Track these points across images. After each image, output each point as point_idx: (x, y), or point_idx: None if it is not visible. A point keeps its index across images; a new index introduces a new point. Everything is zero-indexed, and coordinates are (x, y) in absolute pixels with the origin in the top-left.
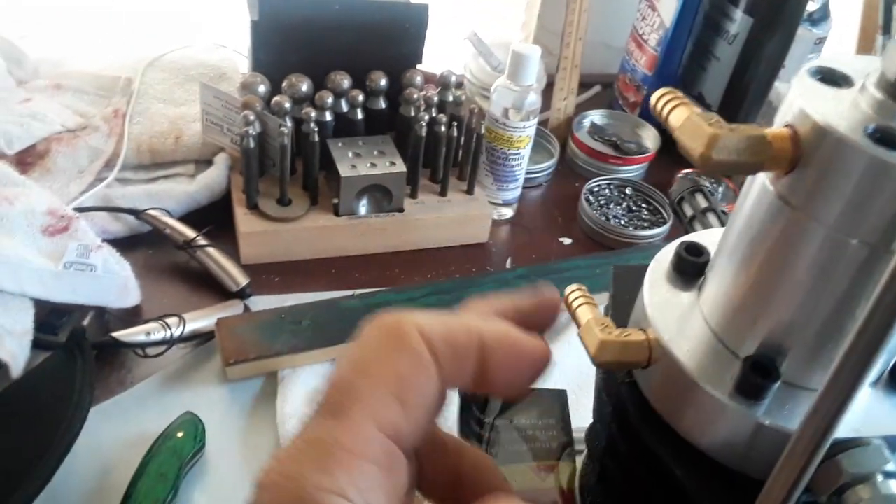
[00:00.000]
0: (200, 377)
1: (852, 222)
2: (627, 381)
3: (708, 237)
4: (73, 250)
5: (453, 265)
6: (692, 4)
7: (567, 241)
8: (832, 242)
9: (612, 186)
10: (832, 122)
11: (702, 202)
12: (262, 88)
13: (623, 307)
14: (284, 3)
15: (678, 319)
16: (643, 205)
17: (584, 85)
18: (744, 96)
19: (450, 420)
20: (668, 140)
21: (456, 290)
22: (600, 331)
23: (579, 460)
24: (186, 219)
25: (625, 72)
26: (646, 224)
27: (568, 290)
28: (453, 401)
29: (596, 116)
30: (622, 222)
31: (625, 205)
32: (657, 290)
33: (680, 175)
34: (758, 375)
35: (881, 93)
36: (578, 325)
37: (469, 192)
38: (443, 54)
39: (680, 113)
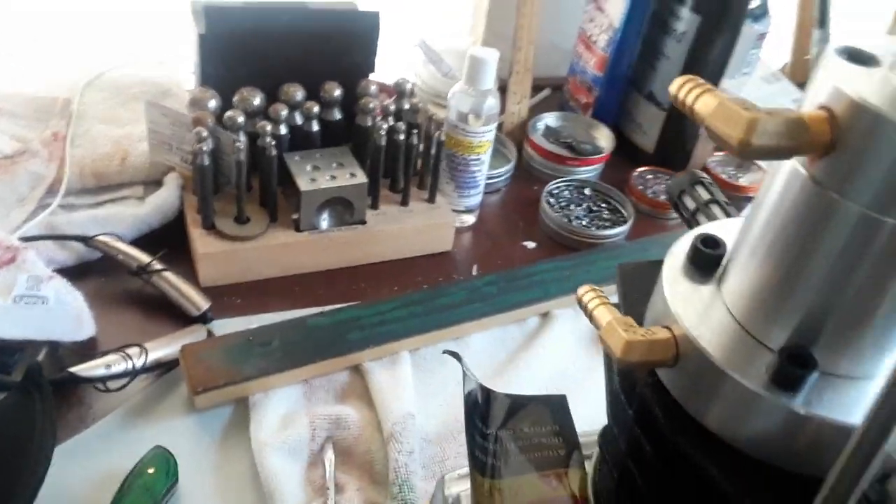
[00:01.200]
0: (166, 408)
1: (889, 201)
2: (651, 381)
3: (721, 228)
4: (22, 283)
5: (419, 275)
6: (641, 5)
7: (531, 244)
8: (867, 223)
9: (571, 188)
10: (868, 99)
11: (704, 194)
12: (212, 104)
13: (635, 305)
14: (231, 15)
15: (701, 314)
16: (603, 205)
17: (533, 88)
18: None
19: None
20: (621, 139)
21: (425, 300)
22: (624, 331)
23: (588, 465)
24: (138, 243)
25: (574, 74)
26: (607, 224)
27: (581, 291)
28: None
29: (550, 119)
30: (584, 223)
31: (585, 205)
32: (676, 285)
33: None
34: (795, 366)
35: None
36: (598, 327)
37: (431, 200)
38: (392, 63)
39: (709, 100)
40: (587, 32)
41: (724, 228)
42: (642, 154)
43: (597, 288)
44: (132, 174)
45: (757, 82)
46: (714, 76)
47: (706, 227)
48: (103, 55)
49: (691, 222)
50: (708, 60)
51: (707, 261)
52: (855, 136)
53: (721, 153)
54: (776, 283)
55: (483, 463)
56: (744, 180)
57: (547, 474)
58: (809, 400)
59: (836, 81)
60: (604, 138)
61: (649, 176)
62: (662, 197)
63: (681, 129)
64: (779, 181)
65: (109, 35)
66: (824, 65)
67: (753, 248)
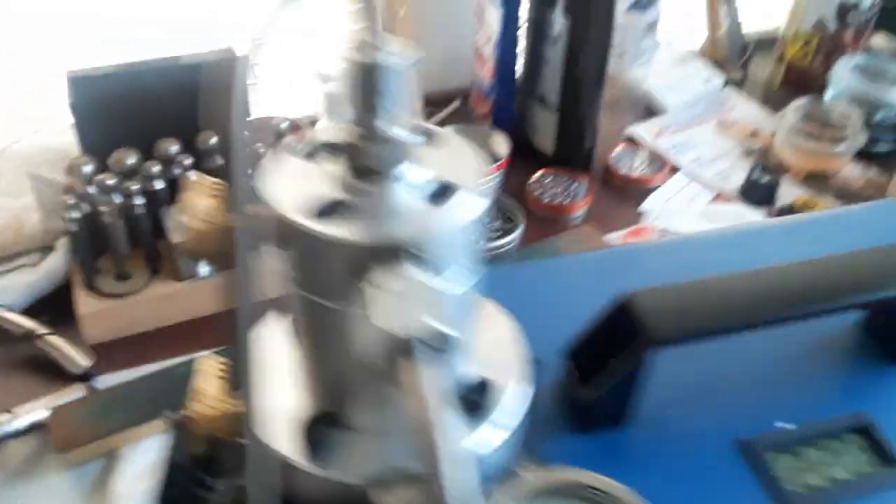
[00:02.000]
0: (41, 468)
1: (324, 287)
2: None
3: None
4: None
5: None
6: (512, 14)
7: None
8: (317, 306)
9: None
10: (285, 205)
11: None
12: (87, 169)
13: None
14: (98, 83)
15: (277, 380)
16: (498, 213)
17: (445, 100)
18: (580, 91)
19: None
20: (518, 142)
21: None
22: (205, 402)
23: None
24: (34, 307)
25: (474, 87)
26: (498, 233)
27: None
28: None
29: None
30: None
31: None
32: (268, 344)
33: None
34: (314, 432)
35: (340, 165)
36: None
37: None
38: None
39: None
40: (477, 44)
41: None
42: (543, 157)
43: (222, 360)
44: (27, 242)
45: (668, 67)
46: (597, 71)
47: None
48: (14, 124)
49: None
50: (587, 58)
51: None
52: (280, 235)
53: (620, 147)
54: (303, 354)
55: None
56: (646, 171)
57: None
58: (336, 460)
59: (267, 184)
60: (501, 145)
61: (548, 179)
62: (558, 200)
63: (577, 128)
64: None
65: (18, 104)
66: (270, 161)
67: None
